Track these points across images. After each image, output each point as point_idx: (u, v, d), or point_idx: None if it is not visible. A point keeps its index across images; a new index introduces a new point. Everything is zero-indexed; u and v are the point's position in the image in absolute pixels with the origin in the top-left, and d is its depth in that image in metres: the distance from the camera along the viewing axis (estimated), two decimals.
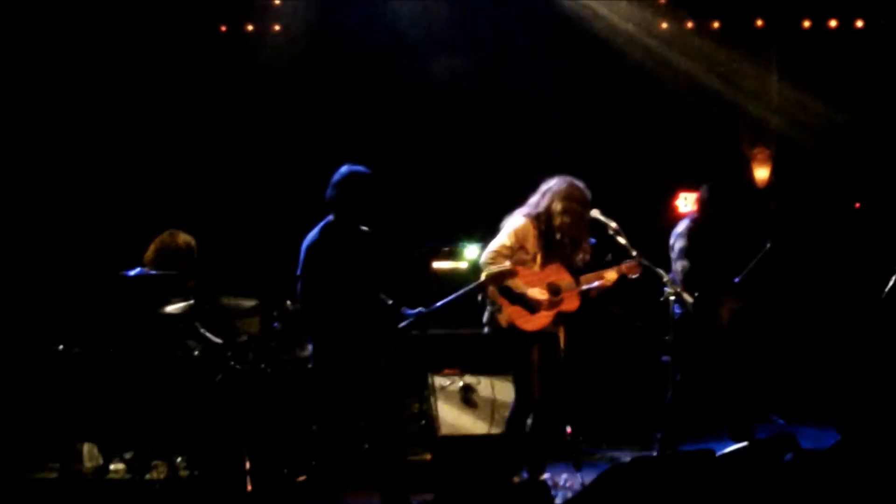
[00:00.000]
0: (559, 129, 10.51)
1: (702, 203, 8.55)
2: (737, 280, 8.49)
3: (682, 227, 8.58)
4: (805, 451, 6.05)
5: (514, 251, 7.75)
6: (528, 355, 7.77)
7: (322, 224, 7.44)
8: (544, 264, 7.84)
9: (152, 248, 8.37)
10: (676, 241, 8.52)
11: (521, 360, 7.79)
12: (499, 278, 7.67)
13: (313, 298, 7.37)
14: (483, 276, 7.70)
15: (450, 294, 7.88)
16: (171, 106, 10.18)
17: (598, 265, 7.99)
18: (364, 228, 7.41)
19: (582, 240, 7.88)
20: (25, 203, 9.70)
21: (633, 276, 8.01)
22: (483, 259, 7.77)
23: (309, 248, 7.38)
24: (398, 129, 10.38)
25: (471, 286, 7.78)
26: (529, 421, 7.81)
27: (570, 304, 7.88)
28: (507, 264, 7.66)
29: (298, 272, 7.45)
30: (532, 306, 7.75)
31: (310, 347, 7.75)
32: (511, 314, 7.75)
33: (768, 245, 8.52)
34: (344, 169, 7.42)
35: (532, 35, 10.40)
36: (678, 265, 8.45)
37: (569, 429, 8.33)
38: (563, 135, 10.46)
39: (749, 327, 8.54)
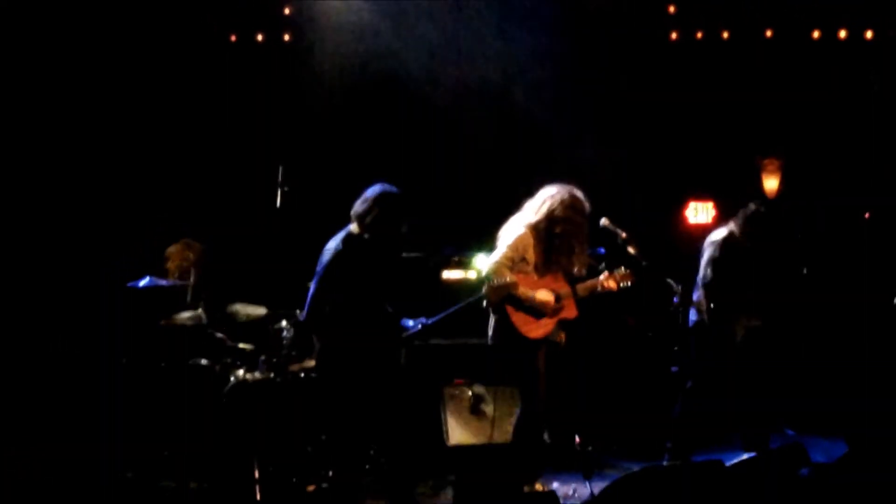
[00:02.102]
0: (568, 137, 10.50)
1: (743, 221, 8.47)
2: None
3: (717, 235, 8.53)
4: (817, 465, 6.05)
5: (516, 261, 7.77)
6: (534, 363, 7.80)
7: (344, 234, 7.52)
8: (544, 273, 7.86)
9: (176, 261, 8.44)
10: (707, 249, 8.49)
11: (527, 369, 7.80)
12: (500, 291, 7.70)
13: (327, 304, 7.41)
14: (484, 290, 7.76)
15: (457, 304, 7.95)
16: (182, 114, 10.19)
17: (594, 273, 8.03)
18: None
19: (580, 249, 7.88)
20: (35, 212, 9.71)
21: (627, 284, 8.04)
22: (486, 271, 7.79)
23: (333, 256, 7.44)
24: (406, 137, 10.39)
25: (472, 298, 7.86)
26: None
27: (570, 311, 7.92)
28: (508, 278, 7.68)
29: (316, 277, 7.49)
30: (539, 311, 7.77)
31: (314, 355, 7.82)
32: (517, 322, 7.77)
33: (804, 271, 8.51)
34: (378, 187, 7.50)
35: (536, 41, 10.43)
36: (703, 272, 8.43)
37: (578, 438, 8.32)
38: (571, 143, 10.46)
39: (764, 342, 8.51)
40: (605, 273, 8.00)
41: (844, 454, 6.72)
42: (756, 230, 8.42)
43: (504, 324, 7.81)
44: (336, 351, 7.44)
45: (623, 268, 8.02)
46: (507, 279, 7.65)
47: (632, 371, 9.92)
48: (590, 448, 8.32)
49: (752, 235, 8.42)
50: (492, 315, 7.91)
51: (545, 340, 7.84)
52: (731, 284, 8.32)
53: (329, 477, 7.67)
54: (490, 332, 7.93)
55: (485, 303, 7.86)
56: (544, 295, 7.77)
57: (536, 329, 7.79)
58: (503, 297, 7.72)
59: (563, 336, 7.92)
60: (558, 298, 7.84)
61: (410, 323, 7.94)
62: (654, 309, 8.79)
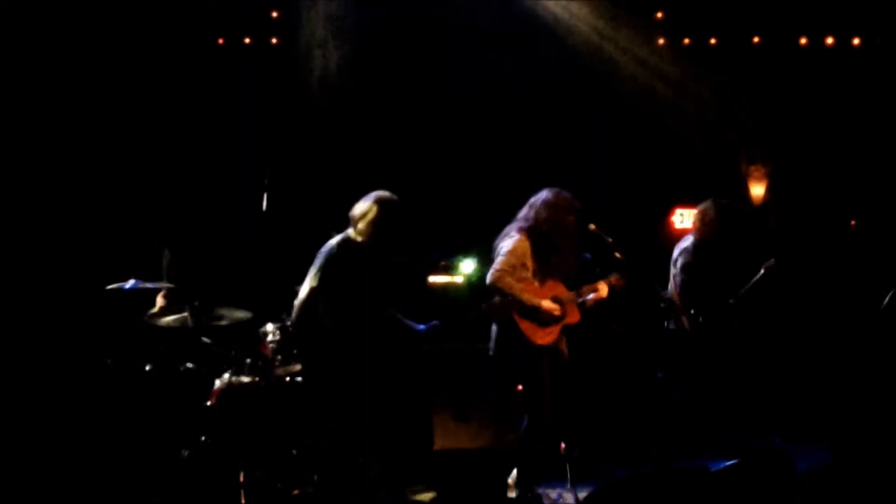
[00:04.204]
0: (555, 144, 10.52)
1: (706, 221, 8.50)
2: (733, 301, 8.49)
3: (686, 242, 8.56)
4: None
5: (517, 268, 7.77)
6: (540, 371, 7.79)
7: (341, 237, 7.55)
8: (543, 279, 7.87)
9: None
10: (680, 257, 8.50)
11: (534, 377, 7.80)
12: (498, 308, 7.75)
13: (318, 308, 7.43)
14: (483, 307, 7.79)
15: (445, 308, 7.95)
16: (169, 117, 10.18)
17: (590, 279, 8.03)
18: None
19: (568, 247, 7.89)
20: (21, 215, 9.69)
21: (619, 287, 8.05)
22: (489, 279, 7.76)
23: (327, 258, 7.47)
24: (395, 142, 10.39)
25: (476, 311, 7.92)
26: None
27: (573, 316, 7.92)
28: (512, 287, 7.69)
29: (308, 280, 7.50)
30: (545, 319, 7.76)
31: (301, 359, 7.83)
32: (525, 329, 7.76)
33: (766, 267, 8.52)
34: (377, 193, 7.54)
35: (527, 52, 10.46)
36: (678, 280, 8.44)
37: (563, 444, 8.31)
38: (559, 150, 10.47)
39: (747, 345, 8.52)
40: (605, 280, 8.02)
41: (828, 463, 6.74)
42: (723, 222, 8.43)
43: (511, 332, 7.80)
44: (325, 354, 7.46)
45: (615, 275, 8.04)
46: (513, 290, 7.66)
47: (617, 377, 9.92)
48: (575, 453, 8.31)
49: (718, 230, 8.42)
50: (494, 324, 7.90)
51: (549, 348, 7.84)
52: (708, 288, 8.34)
53: (315, 481, 7.66)
54: (493, 342, 7.91)
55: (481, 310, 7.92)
56: (549, 303, 7.78)
57: (544, 336, 7.79)
58: (510, 310, 7.75)
59: (564, 347, 7.94)
60: (561, 304, 7.84)
61: (421, 327, 7.94)
62: (639, 315, 8.80)
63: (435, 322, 7.83)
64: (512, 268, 7.73)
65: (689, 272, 8.39)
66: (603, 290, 8.00)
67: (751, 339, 8.58)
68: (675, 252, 8.59)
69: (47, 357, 8.76)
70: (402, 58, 10.41)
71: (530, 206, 7.95)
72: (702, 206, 8.57)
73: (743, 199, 10.58)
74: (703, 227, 8.51)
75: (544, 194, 7.94)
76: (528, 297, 7.72)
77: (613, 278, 8.03)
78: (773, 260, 8.57)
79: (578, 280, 8.04)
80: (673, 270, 8.52)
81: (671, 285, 8.50)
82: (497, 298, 7.74)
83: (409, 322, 7.81)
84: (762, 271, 8.54)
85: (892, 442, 8.30)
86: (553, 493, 8.17)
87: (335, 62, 10.43)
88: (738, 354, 8.44)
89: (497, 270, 7.73)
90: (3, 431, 8.13)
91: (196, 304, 8.01)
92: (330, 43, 10.43)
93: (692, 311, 8.26)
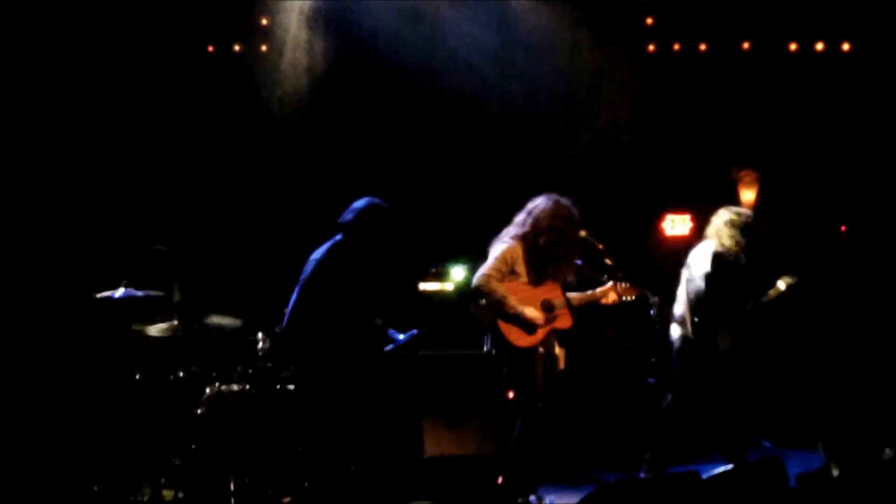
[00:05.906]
0: (545, 151, 10.52)
1: (731, 232, 8.41)
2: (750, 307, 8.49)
3: (706, 250, 8.46)
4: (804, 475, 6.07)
5: (505, 274, 7.76)
6: (532, 374, 7.78)
7: (330, 244, 7.55)
8: (536, 283, 7.85)
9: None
10: (696, 263, 8.40)
11: (525, 380, 7.79)
12: (487, 310, 7.73)
13: (309, 314, 7.43)
14: (471, 309, 7.78)
15: (438, 316, 7.94)
16: (159, 124, 10.17)
17: (589, 285, 8.03)
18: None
19: (570, 257, 7.89)
20: (11, 223, 9.68)
21: (630, 298, 8.03)
22: (475, 282, 7.78)
23: (317, 265, 7.47)
24: (388, 147, 10.39)
25: (461, 312, 7.89)
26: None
27: (564, 321, 7.89)
28: (498, 291, 7.68)
29: (299, 287, 7.50)
30: (528, 325, 7.76)
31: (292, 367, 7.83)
32: (507, 333, 7.75)
33: (787, 284, 8.53)
34: (367, 199, 7.55)
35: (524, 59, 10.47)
36: (695, 285, 8.34)
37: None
38: (548, 156, 10.47)
39: (745, 353, 8.52)
40: (609, 284, 8.00)
41: (822, 465, 6.75)
42: (748, 237, 8.39)
43: (497, 335, 7.81)
44: (316, 362, 7.45)
45: (626, 282, 8.01)
46: (496, 295, 7.66)
47: (609, 382, 9.91)
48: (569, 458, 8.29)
49: (741, 243, 8.38)
50: (488, 330, 7.91)
51: (540, 353, 7.83)
52: (722, 299, 8.29)
53: (305, 488, 7.66)
54: (487, 344, 7.92)
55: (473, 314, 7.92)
56: (532, 312, 7.75)
57: (526, 338, 7.77)
58: (493, 313, 7.74)
59: (561, 354, 7.92)
60: (552, 308, 7.83)
61: (401, 336, 7.94)
62: (631, 321, 8.79)
63: (413, 331, 7.84)
64: (499, 272, 7.74)
65: (707, 281, 8.28)
66: (609, 296, 8.00)
67: (750, 348, 8.57)
68: (691, 257, 8.48)
69: (37, 365, 8.75)
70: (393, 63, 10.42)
71: (529, 213, 7.92)
72: (728, 218, 8.46)
73: (734, 204, 10.59)
74: (728, 236, 8.41)
75: (542, 202, 7.90)
76: (510, 303, 7.72)
77: (621, 289, 8.02)
78: (794, 277, 8.56)
79: (575, 286, 8.05)
80: (686, 274, 8.43)
81: (682, 289, 8.42)
82: (484, 301, 7.74)
83: (389, 331, 7.83)
84: (783, 288, 8.53)
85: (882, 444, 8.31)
86: (546, 499, 8.16)
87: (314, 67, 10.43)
88: (737, 362, 8.42)
89: (483, 275, 7.75)
90: None
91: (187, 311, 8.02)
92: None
93: (696, 319, 8.23)
